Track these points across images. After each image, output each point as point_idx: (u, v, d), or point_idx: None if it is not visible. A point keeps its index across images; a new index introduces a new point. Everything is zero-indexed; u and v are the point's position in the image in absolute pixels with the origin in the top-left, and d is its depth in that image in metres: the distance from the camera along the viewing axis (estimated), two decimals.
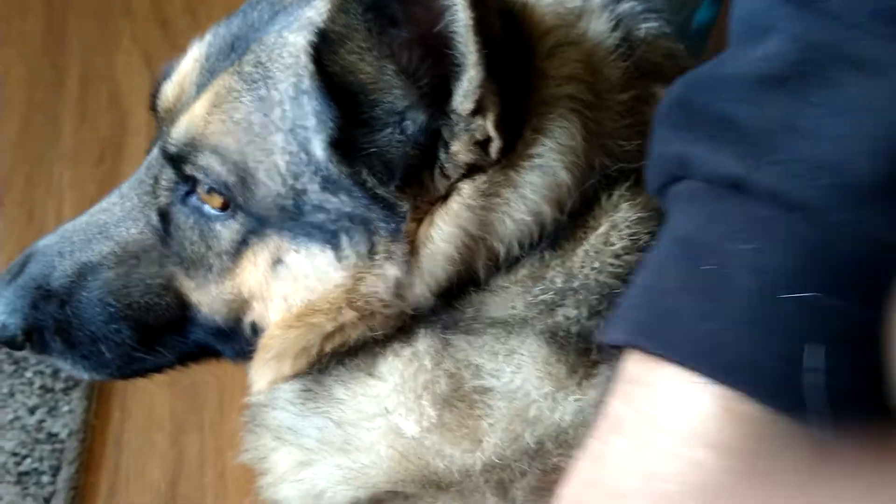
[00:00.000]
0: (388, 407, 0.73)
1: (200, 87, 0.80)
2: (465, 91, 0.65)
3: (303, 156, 0.73)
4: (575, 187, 0.70)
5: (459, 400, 0.71)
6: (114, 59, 2.21)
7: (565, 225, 0.71)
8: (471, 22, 0.60)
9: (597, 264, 0.70)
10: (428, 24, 0.63)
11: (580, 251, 0.71)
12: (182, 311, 0.85)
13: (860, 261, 0.49)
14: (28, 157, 1.88)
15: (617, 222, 0.71)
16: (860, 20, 0.51)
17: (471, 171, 0.71)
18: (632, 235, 0.70)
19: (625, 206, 0.71)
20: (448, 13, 0.61)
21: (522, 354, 0.70)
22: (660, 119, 0.62)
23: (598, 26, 0.74)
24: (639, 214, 0.70)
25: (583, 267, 0.70)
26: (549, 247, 0.71)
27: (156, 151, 0.84)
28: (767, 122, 0.53)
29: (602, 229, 0.71)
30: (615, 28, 0.74)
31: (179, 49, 2.51)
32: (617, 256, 0.70)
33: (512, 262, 0.72)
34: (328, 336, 0.78)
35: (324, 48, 0.68)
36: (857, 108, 0.50)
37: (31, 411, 1.41)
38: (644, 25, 0.76)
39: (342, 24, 0.65)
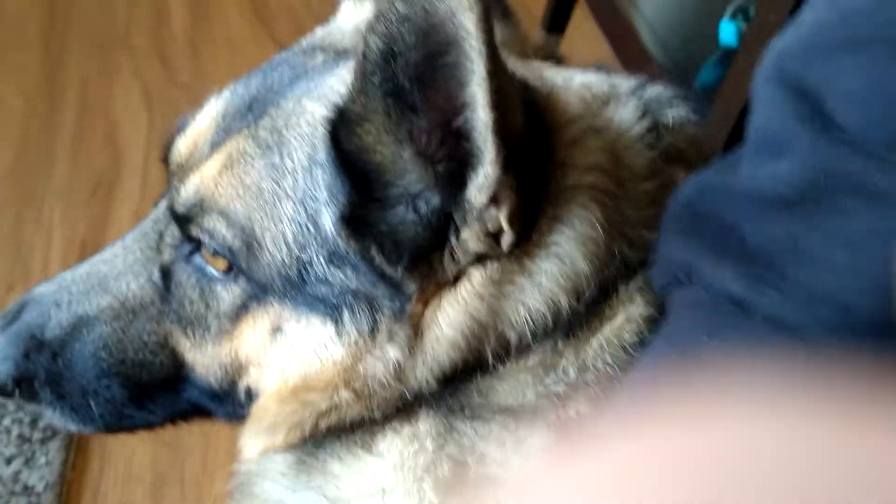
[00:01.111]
0: (386, 487, 0.70)
1: (214, 145, 0.78)
2: (480, 185, 0.63)
3: (311, 227, 0.71)
4: (593, 276, 0.68)
5: (464, 488, 0.68)
6: (112, 94, 2.19)
7: (581, 314, 0.69)
8: (490, 122, 0.59)
9: (609, 357, 0.68)
10: (448, 113, 0.61)
11: (594, 342, 0.69)
12: (176, 369, 0.83)
13: None
14: (19, 190, 1.84)
15: (632, 316, 0.69)
16: (876, 150, 0.50)
17: (481, 258, 0.69)
18: (639, 332, 0.68)
19: (640, 300, 0.69)
20: (469, 109, 0.60)
21: (532, 445, 0.67)
22: (668, 220, 0.61)
23: (625, 114, 0.72)
24: (650, 312, 0.68)
25: (596, 359, 0.68)
26: (563, 335, 0.69)
27: (163, 206, 0.82)
28: (772, 243, 0.53)
29: (618, 321, 0.69)
30: (642, 116, 0.73)
31: (179, 86, 2.49)
32: (626, 351, 0.67)
33: (523, 349, 0.70)
34: (323, 413, 0.76)
35: (341, 126, 0.66)
36: (862, 239, 0.49)
37: (8, 462, 1.36)
38: (671, 112, 0.75)
39: (361, 105, 0.63)
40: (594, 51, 2.50)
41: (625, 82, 0.76)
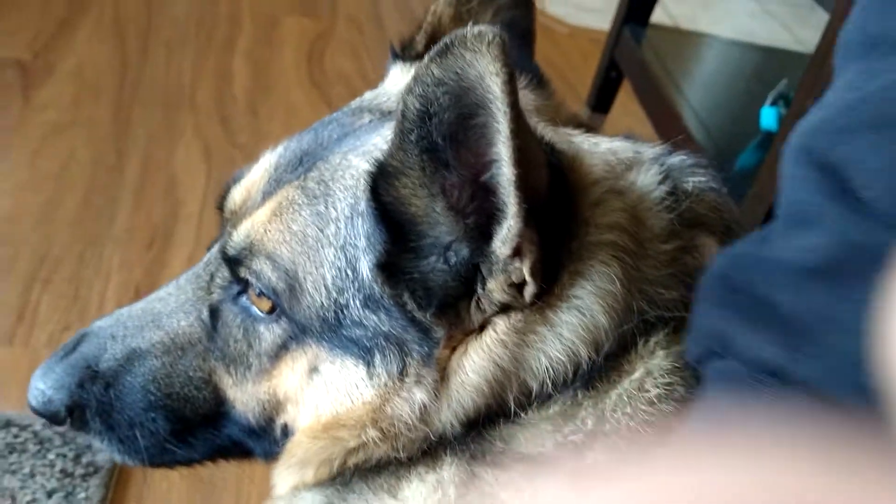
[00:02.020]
0: None
1: (266, 194, 0.84)
2: (504, 237, 0.68)
3: (349, 272, 0.76)
4: (612, 330, 0.71)
5: None
6: (174, 150, 2.30)
7: (600, 366, 0.72)
8: (513, 178, 0.63)
9: (629, 409, 0.70)
10: (477, 170, 0.66)
11: (613, 394, 0.71)
12: (218, 406, 0.87)
13: None
14: (82, 236, 1.93)
15: (652, 369, 0.71)
16: None
17: (506, 308, 0.72)
18: (667, 385, 0.70)
19: (660, 353, 0.72)
20: (494, 166, 0.64)
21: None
22: (703, 292, 0.63)
23: (647, 178, 0.77)
24: (674, 364, 0.71)
25: (615, 411, 0.70)
26: (583, 386, 0.72)
27: (216, 250, 0.88)
28: (807, 312, 0.54)
29: (637, 374, 0.71)
30: (663, 181, 0.77)
31: (238, 146, 2.60)
32: (651, 404, 0.70)
33: (544, 398, 0.73)
34: (351, 451, 0.79)
35: (380, 179, 0.71)
36: None
37: (49, 495, 1.40)
38: (692, 179, 0.78)
39: (399, 160, 0.68)
40: (637, 130, 2.55)
41: (649, 149, 0.81)
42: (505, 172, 0.63)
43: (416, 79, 0.62)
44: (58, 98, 2.41)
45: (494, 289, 0.71)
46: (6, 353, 1.62)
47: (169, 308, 0.88)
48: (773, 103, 2.23)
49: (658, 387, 0.70)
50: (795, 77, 2.08)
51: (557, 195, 0.70)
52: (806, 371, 0.53)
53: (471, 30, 0.57)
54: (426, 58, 0.61)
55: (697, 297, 0.65)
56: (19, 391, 1.56)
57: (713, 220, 0.79)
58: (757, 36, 3.12)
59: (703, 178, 0.79)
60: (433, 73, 0.61)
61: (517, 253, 0.69)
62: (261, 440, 0.88)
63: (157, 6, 3.04)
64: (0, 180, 2.05)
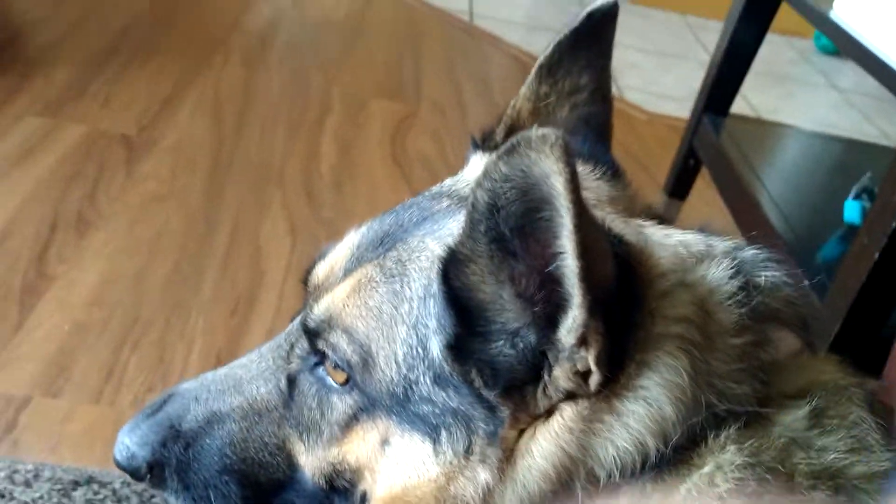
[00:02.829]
0: None
1: (347, 271, 0.89)
2: (569, 327, 0.69)
3: (420, 350, 0.79)
4: (680, 422, 0.72)
5: None
6: (262, 223, 2.41)
7: (668, 458, 0.72)
8: (577, 269, 0.65)
9: None
10: (545, 260, 0.68)
11: (682, 488, 0.71)
12: (290, 472, 0.91)
13: None
14: (171, 301, 2.03)
15: (722, 464, 0.71)
16: None
17: (572, 395, 0.74)
18: (738, 479, 0.70)
19: (732, 448, 0.71)
20: (560, 258, 0.66)
21: None
22: None
23: (718, 273, 0.77)
24: (745, 459, 0.71)
25: None
26: (652, 479, 0.72)
27: (297, 322, 0.93)
28: None
29: (707, 469, 0.71)
30: (735, 275, 0.77)
31: (322, 221, 2.67)
32: (721, 499, 0.69)
33: (612, 489, 0.73)
34: None
35: (451, 265, 0.74)
36: None
37: None
38: (765, 273, 0.79)
39: (469, 248, 0.71)
40: (715, 219, 2.54)
41: (721, 243, 0.82)
42: (569, 264, 0.65)
43: (485, 174, 0.65)
44: (157, 170, 2.56)
45: (560, 376, 0.73)
46: (93, 411, 1.69)
47: (250, 375, 0.93)
48: (857, 197, 2.20)
49: (728, 482, 0.70)
50: (879, 170, 2.05)
51: (625, 286, 0.72)
52: None
53: (536, 132, 0.60)
54: (495, 155, 0.64)
55: None
56: (103, 448, 1.62)
57: (788, 314, 0.80)
58: (839, 128, 3.09)
59: (776, 273, 0.79)
60: (501, 170, 0.64)
61: (583, 342, 0.70)
62: None
63: (254, 87, 3.22)
64: (101, 245, 2.18)
